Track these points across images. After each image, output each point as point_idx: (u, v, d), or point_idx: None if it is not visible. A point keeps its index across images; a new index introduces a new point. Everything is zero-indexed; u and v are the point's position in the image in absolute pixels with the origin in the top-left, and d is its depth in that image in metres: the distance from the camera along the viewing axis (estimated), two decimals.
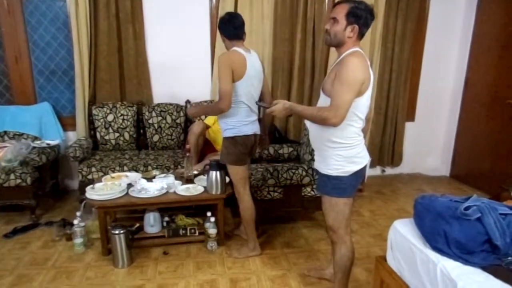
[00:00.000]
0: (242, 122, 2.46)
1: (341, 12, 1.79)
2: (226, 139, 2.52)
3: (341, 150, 1.88)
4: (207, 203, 2.84)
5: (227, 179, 2.84)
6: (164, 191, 2.76)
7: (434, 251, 1.57)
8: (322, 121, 1.78)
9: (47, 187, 3.57)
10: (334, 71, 1.81)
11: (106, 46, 3.64)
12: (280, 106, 1.94)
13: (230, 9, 3.64)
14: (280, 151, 3.55)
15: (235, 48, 2.40)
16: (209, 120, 3.46)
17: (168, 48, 3.83)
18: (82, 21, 3.47)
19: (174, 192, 2.77)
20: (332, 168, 1.92)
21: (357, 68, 1.73)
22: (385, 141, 4.39)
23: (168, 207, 2.94)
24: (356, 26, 1.79)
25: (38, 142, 3.57)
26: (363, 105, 1.84)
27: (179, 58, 3.86)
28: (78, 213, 2.88)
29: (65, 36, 3.71)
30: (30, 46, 3.71)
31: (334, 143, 1.88)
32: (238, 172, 2.57)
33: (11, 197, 3.24)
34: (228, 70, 2.29)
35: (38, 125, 3.70)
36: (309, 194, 3.14)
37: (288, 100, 4.01)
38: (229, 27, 2.41)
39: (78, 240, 2.82)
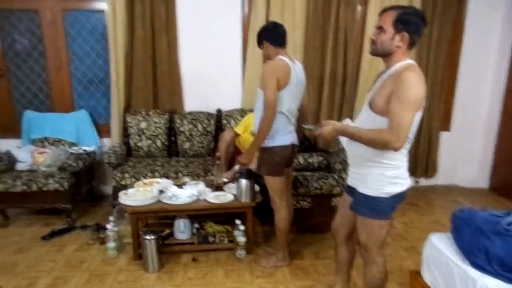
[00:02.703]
0: (280, 132, 2.42)
1: (388, 20, 1.67)
2: (263, 149, 2.48)
3: (384, 170, 1.75)
4: (236, 211, 2.85)
5: (257, 188, 2.84)
6: (194, 198, 2.79)
7: (473, 267, 1.50)
8: (383, 146, 1.64)
9: (83, 192, 3.69)
10: (388, 87, 1.67)
11: (141, 55, 3.75)
12: (329, 128, 1.79)
13: (262, 18, 3.69)
14: (310, 160, 3.52)
15: (280, 56, 2.38)
16: (239, 128, 3.48)
17: (200, 57, 3.90)
18: (119, 31, 3.60)
19: (204, 200, 2.80)
20: (371, 187, 1.79)
21: (416, 85, 1.59)
22: (419, 151, 4.27)
23: (198, 214, 2.96)
24: (406, 34, 1.66)
25: (75, 148, 3.70)
26: (415, 123, 1.67)
27: (210, 67, 3.93)
28: (111, 218, 2.95)
29: (103, 46, 3.86)
30: (70, 56, 3.88)
31: (377, 163, 1.76)
32: (275, 183, 2.53)
33: (49, 201, 3.37)
34: (274, 79, 2.28)
35: (75, 132, 3.85)
36: None
37: (319, 109, 3.99)
38: (274, 34, 2.42)
39: (111, 244, 2.89)
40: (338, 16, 3.76)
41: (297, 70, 2.42)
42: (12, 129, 3.93)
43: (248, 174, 2.72)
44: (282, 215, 2.60)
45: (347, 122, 1.91)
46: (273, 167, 2.48)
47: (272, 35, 2.42)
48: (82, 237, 3.19)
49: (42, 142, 3.78)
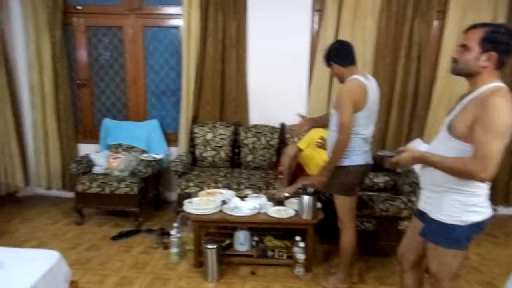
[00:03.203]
0: (355, 152, 2.36)
1: (474, 38, 1.56)
2: (337, 167, 2.40)
3: (462, 196, 1.63)
4: (297, 227, 2.81)
5: (319, 205, 2.78)
6: (256, 211, 2.80)
7: None
8: (468, 176, 1.54)
9: (150, 197, 3.87)
10: (470, 112, 1.55)
11: (211, 69, 3.90)
12: (407, 155, 1.71)
13: (331, 34, 3.67)
14: (375, 180, 3.38)
15: (355, 76, 2.32)
16: (302, 143, 3.45)
17: (267, 72, 3.96)
18: (192, 47, 3.79)
19: (265, 213, 2.79)
20: (445, 214, 1.67)
21: (505, 112, 1.47)
22: (498, 176, 3.90)
23: (258, 227, 2.97)
24: (494, 54, 1.53)
25: (146, 155, 3.91)
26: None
27: (277, 82, 3.96)
28: (175, 224, 3.06)
29: (176, 61, 4.07)
30: (146, 69, 4.15)
31: (454, 188, 1.64)
32: (345, 203, 2.45)
33: (119, 204, 3.59)
34: (351, 102, 2.23)
35: (146, 139, 4.08)
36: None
37: (386, 128, 3.84)
38: (342, 53, 2.38)
39: (174, 250, 2.99)
40: (412, 31, 3.62)
41: (373, 88, 2.35)
42: (92, 135, 4.28)
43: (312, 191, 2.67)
44: (349, 236, 2.50)
45: (416, 143, 1.81)
46: (346, 186, 2.41)
47: (340, 55, 2.38)
48: (147, 241, 3.33)
49: (116, 148, 4.05)
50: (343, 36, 3.61)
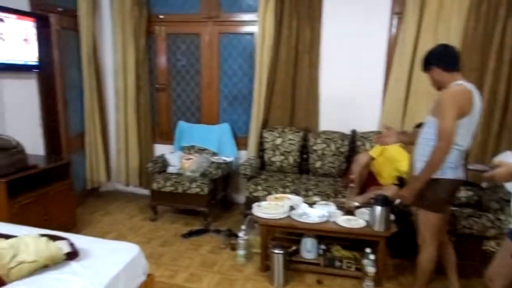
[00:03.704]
0: (451, 165, 2.16)
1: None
2: (428, 180, 2.20)
3: None
4: (368, 238, 2.69)
5: (392, 217, 2.65)
6: (324, 219, 2.74)
7: None
8: None
9: (218, 198, 3.97)
10: None
11: (283, 75, 3.92)
12: (504, 171, 1.57)
13: (411, 38, 3.49)
14: (457, 194, 3.12)
15: (460, 82, 2.16)
16: (375, 152, 3.32)
17: (340, 77, 3.88)
18: (265, 53, 3.83)
19: (334, 222, 2.73)
20: None
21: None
22: None
23: (326, 236, 2.90)
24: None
25: (216, 157, 4.04)
26: None
27: (349, 88, 3.87)
28: (242, 227, 3.10)
29: (249, 66, 4.16)
30: (220, 74, 4.29)
31: None
32: (431, 219, 2.26)
33: (190, 203, 3.74)
34: (455, 108, 2.06)
35: (218, 142, 4.20)
36: (493, 250, 2.64)
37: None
38: (447, 57, 2.22)
39: (241, 252, 3.03)
40: (505, 33, 3.31)
41: (478, 97, 2.17)
42: (168, 137, 4.51)
43: (384, 201, 2.55)
44: (429, 254, 2.32)
45: (507, 156, 1.63)
46: (436, 202, 2.22)
47: (444, 59, 2.20)
48: (215, 240, 3.42)
49: (189, 149, 4.23)
50: (424, 40, 3.43)
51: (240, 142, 4.26)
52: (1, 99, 3.27)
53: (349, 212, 2.87)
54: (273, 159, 3.96)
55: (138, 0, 4.09)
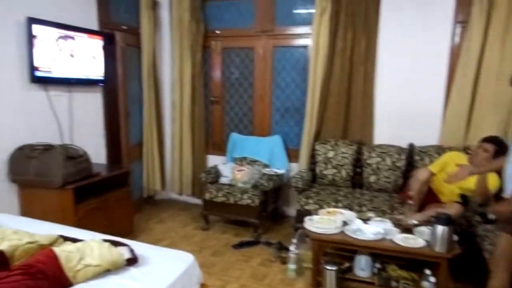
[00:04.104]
0: None
1: None
2: None
3: None
4: (427, 259, 2.54)
5: (455, 237, 2.48)
6: (380, 236, 2.63)
7: None
8: None
9: (269, 210, 3.97)
10: None
11: (336, 87, 3.88)
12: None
13: (477, 48, 3.31)
14: None
15: None
16: (435, 167, 3.15)
17: (397, 89, 3.76)
18: (319, 65, 3.82)
19: (391, 240, 2.61)
20: None
21: None
22: None
23: (381, 254, 2.78)
24: None
25: (268, 169, 4.05)
26: None
27: (407, 100, 3.73)
28: (294, 240, 3.06)
29: (302, 79, 4.16)
30: (273, 87, 4.33)
31: None
32: (510, 244, 2.10)
33: (241, 214, 3.77)
34: None
35: (269, 154, 4.22)
36: None
37: None
38: None
39: (292, 266, 2.99)
40: None
41: None
42: (220, 148, 4.62)
43: (447, 220, 2.40)
44: (502, 282, 2.12)
45: None
46: None
47: None
48: (266, 253, 3.41)
49: (241, 161, 4.28)
50: (491, 50, 3.24)
51: (292, 154, 4.24)
52: (70, 111, 3.54)
53: (407, 230, 2.73)
54: (325, 172, 3.89)
55: (196, 17, 4.27)
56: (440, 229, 2.40)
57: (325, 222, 2.84)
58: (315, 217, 2.93)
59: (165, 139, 4.77)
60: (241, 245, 3.56)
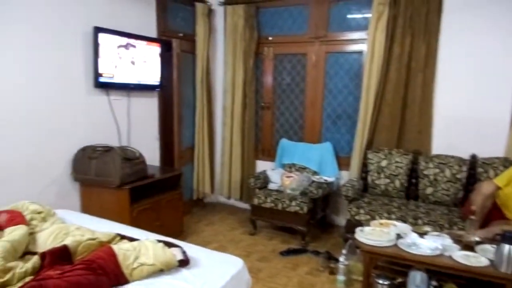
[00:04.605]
0: None
1: None
2: None
3: None
4: (492, 280, 2.35)
5: None
6: (437, 252, 2.47)
7: None
8: None
9: (317, 218, 3.90)
10: None
11: (391, 94, 3.74)
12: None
13: None
14: None
15: None
16: (501, 180, 2.92)
17: (458, 96, 3.56)
18: (374, 72, 3.71)
19: (450, 257, 2.44)
20: None
21: None
22: None
23: (438, 271, 2.61)
24: None
25: (317, 177, 3.99)
26: None
27: (469, 108, 3.52)
28: (343, 251, 2.98)
29: (355, 85, 4.07)
30: (325, 93, 4.27)
31: None
32: None
33: (289, 221, 3.74)
34: None
35: (319, 161, 4.15)
36: None
37: None
38: None
39: (341, 277, 2.90)
40: None
41: None
42: (269, 154, 4.63)
43: None
44: None
45: None
46: None
47: None
48: (313, 262, 3.35)
49: (290, 167, 4.25)
50: None
51: (342, 162, 4.15)
52: (128, 114, 3.71)
53: (468, 247, 2.54)
54: (377, 181, 3.75)
55: (250, 24, 4.34)
56: (507, 248, 2.21)
57: (377, 234, 2.72)
58: (366, 228, 2.82)
59: (216, 143, 4.86)
60: (288, 252, 3.53)
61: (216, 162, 4.88)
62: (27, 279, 1.58)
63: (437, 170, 3.49)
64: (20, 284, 1.53)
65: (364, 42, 3.85)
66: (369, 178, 3.81)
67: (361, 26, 3.91)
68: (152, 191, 3.36)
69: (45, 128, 3.00)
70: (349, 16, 4.06)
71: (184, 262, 1.84)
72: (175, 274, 1.79)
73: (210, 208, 4.80)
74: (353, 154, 3.95)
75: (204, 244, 3.57)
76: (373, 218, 3.20)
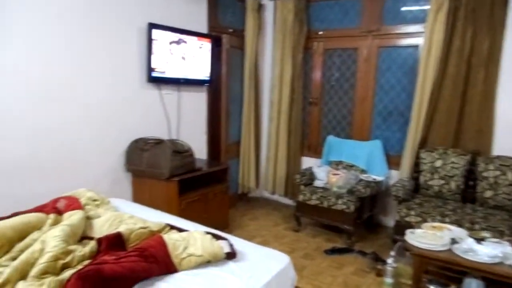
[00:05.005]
0: None
1: None
2: None
3: None
4: None
5: None
6: (497, 259, 2.31)
7: None
8: None
9: (364, 218, 3.79)
10: None
11: (449, 90, 3.54)
12: None
13: None
14: None
15: None
16: None
17: None
18: (431, 66, 3.53)
19: (510, 265, 2.28)
20: None
21: None
22: None
23: (497, 280, 2.44)
24: None
25: (365, 175, 3.87)
26: None
27: None
28: (392, 253, 2.87)
29: (409, 80, 3.89)
30: (376, 89, 4.12)
31: None
32: None
33: (335, 219, 3.67)
34: None
35: (367, 159, 4.03)
36: None
37: None
38: None
39: (388, 280, 2.80)
40: None
41: None
42: (316, 150, 4.56)
43: None
44: None
45: None
46: None
47: None
48: (359, 262, 3.26)
49: (337, 164, 4.16)
50: None
51: (392, 161, 3.99)
52: (178, 108, 3.82)
53: None
54: (430, 182, 3.57)
55: (299, 18, 4.28)
56: None
57: (429, 237, 2.59)
58: (417, 230, 2.70)
59: (262, 138, 4.87)
60: (333, 251, 3.47)
61: (262, 157, 4.89)
62: (85, 262, 1.67)
63: (498, 173, 3.25)
64: (79, 266, 1.62)
65: (420, 35, 3.66)
66: (421, 179, 3.64)
67: (418, 18, 3.72)
68: (200, 184, 3.44)
69: (102, 120, 3.16)
70: (404, 8, 3.87)
71: (231, 255, 1.86)
72: (222, 266, 1.81)
73: (254, 203, 4.83)
74: (405, 152, 3.79)
75: (249, 238, 3.59)
76: (424, 221, 3.05)
